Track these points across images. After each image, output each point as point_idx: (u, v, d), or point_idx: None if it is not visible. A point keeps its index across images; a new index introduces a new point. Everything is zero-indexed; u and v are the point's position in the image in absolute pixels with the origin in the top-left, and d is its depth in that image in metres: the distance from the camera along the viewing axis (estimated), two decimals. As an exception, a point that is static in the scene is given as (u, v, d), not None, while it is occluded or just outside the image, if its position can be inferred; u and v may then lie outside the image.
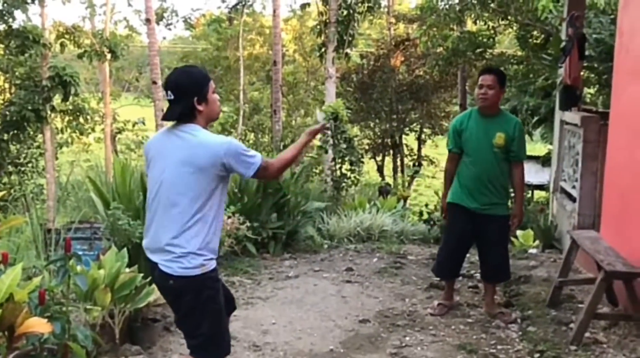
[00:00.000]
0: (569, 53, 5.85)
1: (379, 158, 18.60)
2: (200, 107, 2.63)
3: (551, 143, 9.46)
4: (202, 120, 2.67)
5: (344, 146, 8.00)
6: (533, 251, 5.98)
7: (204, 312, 2.66)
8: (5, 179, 13.64)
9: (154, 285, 3.70)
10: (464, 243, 4.32)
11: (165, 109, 2.74)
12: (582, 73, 6.45)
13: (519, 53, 12.66)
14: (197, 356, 2.74)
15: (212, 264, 2.66)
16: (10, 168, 14.08)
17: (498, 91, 4.05)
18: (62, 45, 13.98)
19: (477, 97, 4.16)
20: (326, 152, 8.40)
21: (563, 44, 6.16)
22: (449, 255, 4.39)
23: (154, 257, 2.67)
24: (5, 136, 13.18)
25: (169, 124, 2.74)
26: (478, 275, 5.04)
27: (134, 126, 19.61)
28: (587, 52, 6.45)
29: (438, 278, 4.88)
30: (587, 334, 3.75)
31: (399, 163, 18.50)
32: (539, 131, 11.12)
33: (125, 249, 3.75)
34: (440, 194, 5.33)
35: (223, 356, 2.78)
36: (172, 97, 2.64)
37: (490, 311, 4.30)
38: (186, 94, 2.61)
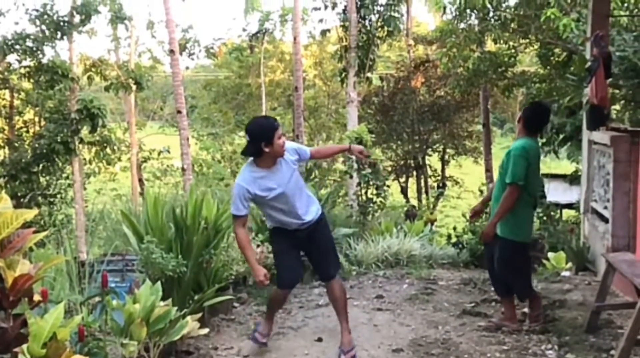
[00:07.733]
0: (595, 73, 5.81)
1: (402, 180, 18.55)
2: (266, 149, 3.65)
3: (577, 162, 9.34)
4: (269, 157, 3.71)
5: (369, 170, 8.01)
6: (566, 273, 5.87)
7: None
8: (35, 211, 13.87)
9: (188, 318, 3.77)
10: (491, 264, 4.57)
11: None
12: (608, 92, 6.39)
13: (541, 71, 12.60)
14: None
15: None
16: (40, 199, 14.35)
17: (521, 128, 4.43)
18: (90, 78, 14.34)
19: None
20: (351, 177, 8.42)
21: (588, 63, 6.12)
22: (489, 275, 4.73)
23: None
24: (36, 169, 13.47)
25: None
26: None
27: (159, 154, 19.93)
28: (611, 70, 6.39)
29: (471, 304, 4.94)
30: (628, 361, 3.65)
31: (422, 184, 18.43)
32: (564, 149, 11.01)
33: (159, 282, 3.78)
34: (467, 215, 5.58)
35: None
36: (249, 139, 3.69)
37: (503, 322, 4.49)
38: (256, 139, 3.65)
